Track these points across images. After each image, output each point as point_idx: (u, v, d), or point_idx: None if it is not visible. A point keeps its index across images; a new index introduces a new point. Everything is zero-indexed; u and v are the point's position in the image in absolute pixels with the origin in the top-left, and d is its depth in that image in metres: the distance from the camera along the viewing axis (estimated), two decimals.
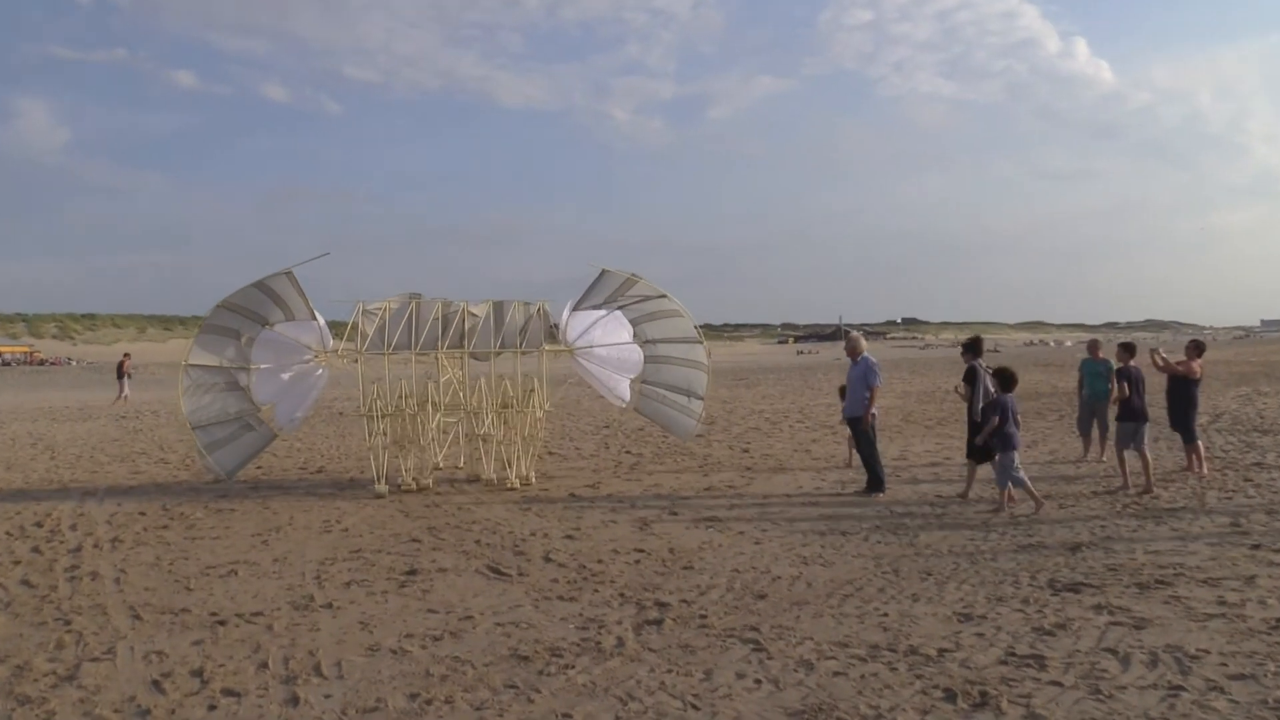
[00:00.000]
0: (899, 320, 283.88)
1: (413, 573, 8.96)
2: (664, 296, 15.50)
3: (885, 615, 7.47)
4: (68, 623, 7.76)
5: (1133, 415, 12.82)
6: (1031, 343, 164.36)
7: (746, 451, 17.38)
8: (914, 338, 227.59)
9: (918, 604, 7.75)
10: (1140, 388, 12.99)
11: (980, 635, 6.99)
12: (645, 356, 15.80)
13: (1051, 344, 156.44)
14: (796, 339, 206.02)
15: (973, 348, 12.86)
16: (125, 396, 36.01)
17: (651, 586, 8.36)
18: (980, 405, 12.22)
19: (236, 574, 9.10)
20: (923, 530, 10.37)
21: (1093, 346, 15.72)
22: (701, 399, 15.94)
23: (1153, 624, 7.12)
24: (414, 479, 14.60)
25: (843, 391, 13.69)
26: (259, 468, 16.41)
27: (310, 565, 9.40)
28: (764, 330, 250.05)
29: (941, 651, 6.67)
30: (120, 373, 36.82)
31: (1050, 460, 14.39)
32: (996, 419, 11.56)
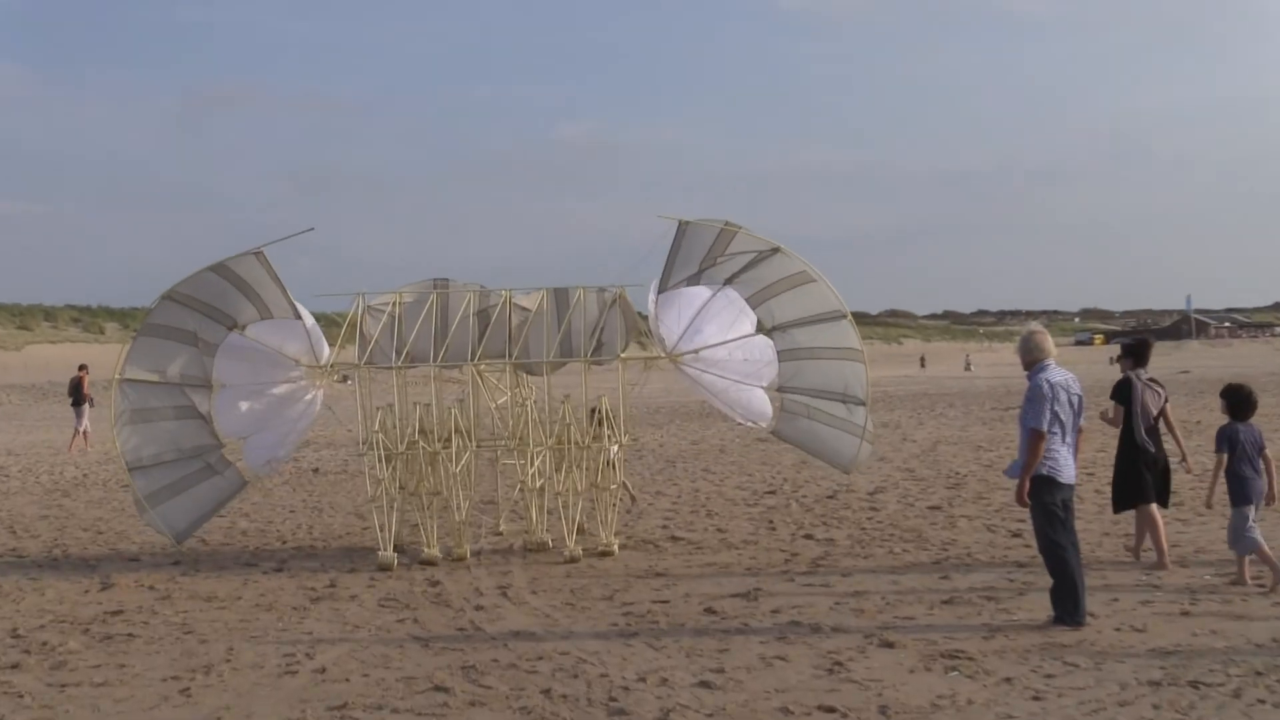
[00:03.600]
0: None
1: None
2: (778, 250, 16.55)
3: None
4: None
5: None
6: None
7: (1019, 536, 17.15)
8: None
9: None
10: None
11: None
12: (779, 351, 16.81)
13: None
14: (1110, 337, 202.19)
15: (1134, 351, 15.17)
16: (85, 431, 38.00)
17: None
18: (1139, 431, 14.71)
19: None
20: None
21: None
22: (863, 403, 16.83)
23: None
24: (435, 549, 15.97)
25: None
26: (176, 563, 16.91)
27: None
28: (1052, 320, 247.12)
29: None
30: (79, 397, 38.81)
31: None
32: (1224, 454, 13.36)
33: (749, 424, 17.59)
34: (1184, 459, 15.13)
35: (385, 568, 15.88)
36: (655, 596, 13.96)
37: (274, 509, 22.37)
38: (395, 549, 16.25)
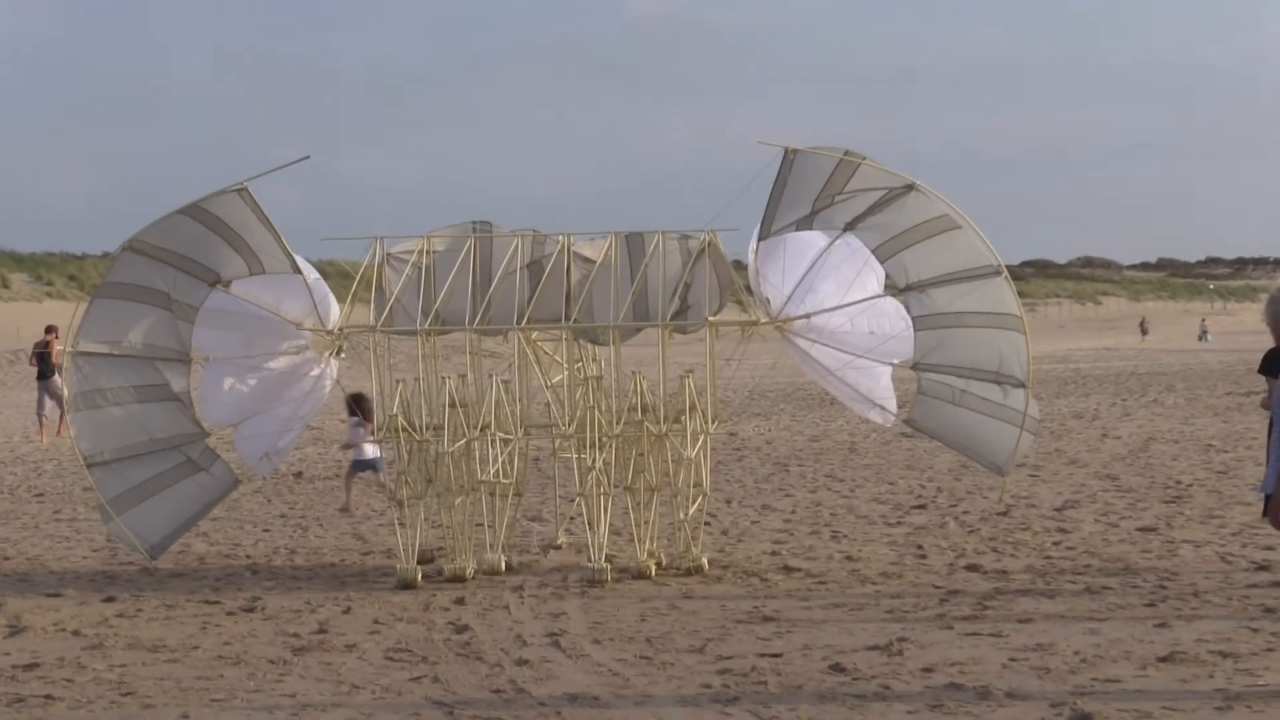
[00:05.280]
0: None
1: None
2: (912, 188, 16.94)
3: None
4: None
5: None
6: None
7: (1266, 569, 17.05)
8: None
9: None
10: None
11: None
12: (914, 317, 17.17)
13: None
14: None
15: None
16: (44, 416, 39.54)
17: None
18: None
19: None
20: None
21: None
22: (1023, 385, 17.13)
23: None
24: (464, 565, 17.05)
25: None
26: (110, 600, 17.00)
27: None
28: None
29: None
30: (46, 368, 39.87)
31: None
32: None
33: (869, 415, 18.35)
34: None
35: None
36: (762, 648, 13.94)
37: (241, 526, 22.59)
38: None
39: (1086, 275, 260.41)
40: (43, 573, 18.89)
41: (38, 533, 22.26)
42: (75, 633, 15.43)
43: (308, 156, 17.18)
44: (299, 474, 29.08)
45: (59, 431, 38.19)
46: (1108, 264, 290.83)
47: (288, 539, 21.34)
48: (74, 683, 13.34)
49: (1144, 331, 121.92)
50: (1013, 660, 13.21)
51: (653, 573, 17.22)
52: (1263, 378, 15.59)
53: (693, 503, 17.53)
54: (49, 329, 41.57)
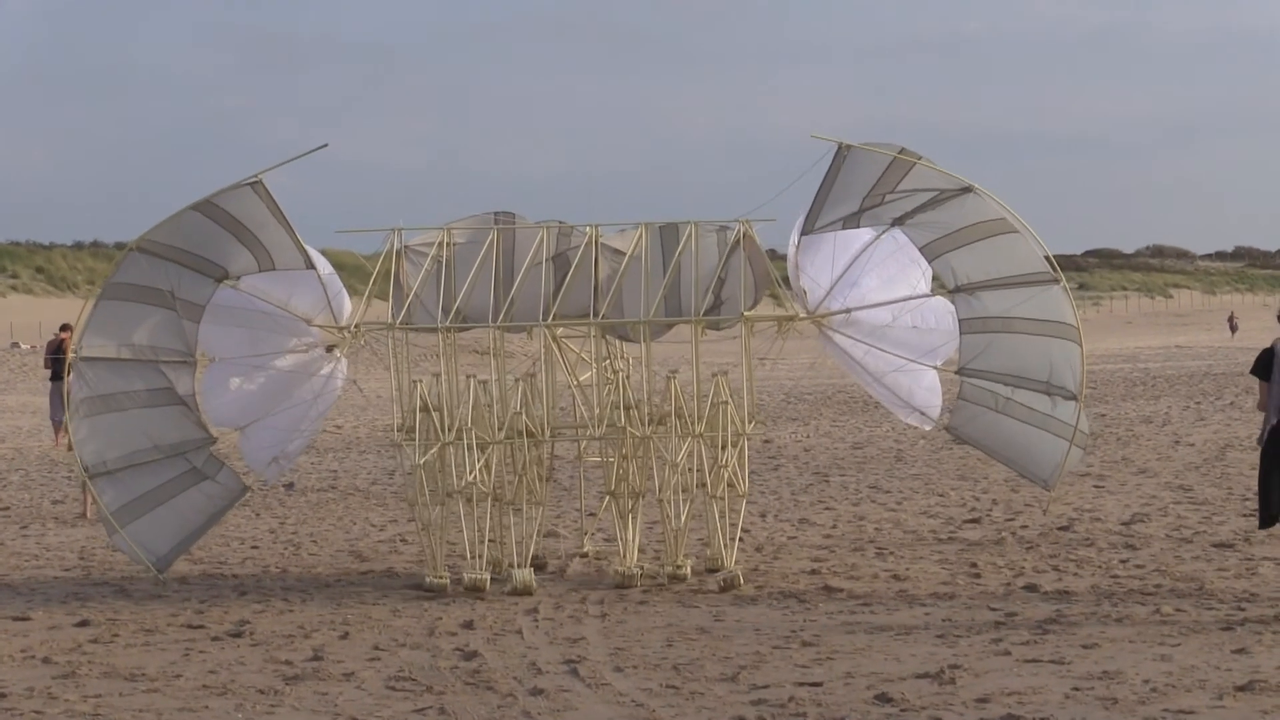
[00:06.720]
0: None
1: None
2: (969, 190, 17.22)
3: None
4: None
5: None
6: None
7: None
8: None
9: None
10: None
11: None
12: (960, 320, 17.42)
13: None
14: None
15: None
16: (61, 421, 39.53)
17: None
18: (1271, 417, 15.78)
19: None
20: None
21: None
22: (1075, 398, 17.46)
23: None
24: (485, 570, 17.38)
25: None
26: (83, 624, 16.94)
27: None
28: None
29: None
30: (60, 369, 40.16)
31: None
32: None
33: (912, 421, 18.72)
34: None
35: (435, 590, 17.30)
36: (801, 676, 13.92)
37: (227, 542, 22.53)
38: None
39: (1156, 266, 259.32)
40: (9, 594, 18.85)
41: (3, 550, 22.24)
42: (45, 660, 15.38)
43: (325, 145, 17.46)
44: (290, 485, 29.03)
45: (57, 440, 38.56)
46: (1179, 253, 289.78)
47: (278, 557, 21.31)
48: (44, 715, 13.29)
49: (1233, 328, 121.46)
50: (1076, 690, 13.15)
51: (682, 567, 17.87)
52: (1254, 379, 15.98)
53: (731, 509, 17.87)
54: (64, 328, 41.79)
